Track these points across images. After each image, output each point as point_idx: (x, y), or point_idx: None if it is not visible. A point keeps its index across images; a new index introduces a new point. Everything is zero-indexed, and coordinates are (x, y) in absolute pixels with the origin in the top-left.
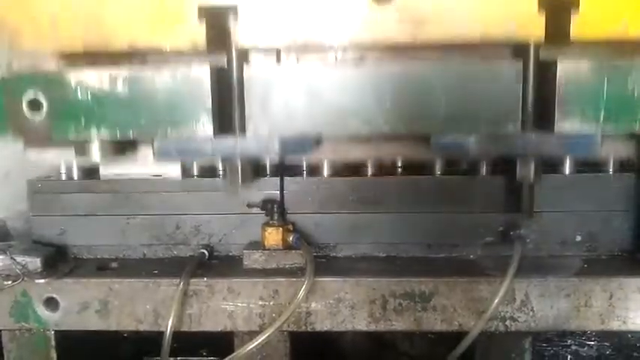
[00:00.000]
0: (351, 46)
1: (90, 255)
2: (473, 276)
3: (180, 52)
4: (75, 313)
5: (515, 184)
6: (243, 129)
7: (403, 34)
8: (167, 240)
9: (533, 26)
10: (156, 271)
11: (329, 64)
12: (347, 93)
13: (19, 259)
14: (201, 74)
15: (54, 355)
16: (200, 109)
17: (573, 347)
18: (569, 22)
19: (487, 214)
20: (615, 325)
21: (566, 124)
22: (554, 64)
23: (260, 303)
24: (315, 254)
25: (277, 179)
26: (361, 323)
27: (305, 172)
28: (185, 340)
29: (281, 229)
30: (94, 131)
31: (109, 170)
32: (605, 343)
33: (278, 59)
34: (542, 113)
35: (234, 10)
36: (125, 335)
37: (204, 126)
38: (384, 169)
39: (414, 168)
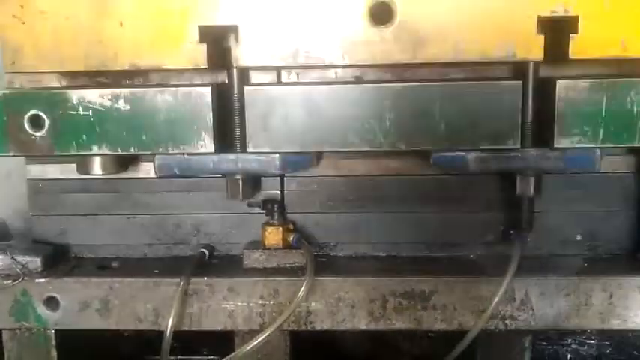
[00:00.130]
0: (351, 66)
1: (90, 254)
2: (473, 275)
3: (182, 71)
4: (75, 312)
5: (514, 196)
6: (244, 146)
7: (402, 54)
8: (167, 239)
9: (532, 46)
10: (156, 271)
11: (329, 82)
12: (346, 111)
13: (19, 258)
14: (202, 92)
15: (54, 354)
16: (201, 126)
17: (573, 346)
18: (568, 42)
19: (487, 214)
20: (615, 324)
21: (565, 141)
22: (553, 82)
23: (260, 302)
24: (315, 253)
25: (278, 179)
26: (361, 322)
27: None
28: (185, 339)
29: (281, 228)
30: (95, 148)
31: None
32: (605, 342)
33: (278, 78)
34: (542, 130)
35: (234, 30)
36: (126, 334)
37: (205, 143)
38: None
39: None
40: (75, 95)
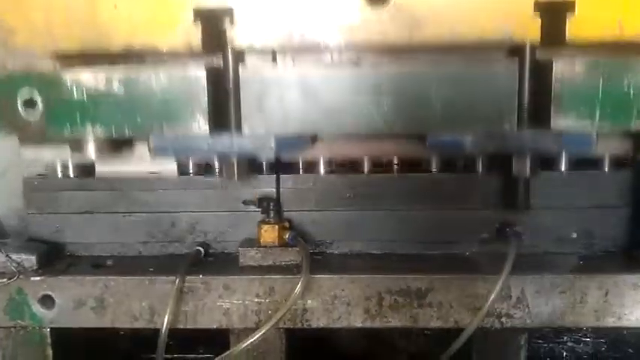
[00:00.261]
0: (347, 47)
1: (86, 252)
2: (468, 273)
3: (177, 52)
4: (70, 311)
5: (511, 180)
6: (239, 128)
7: (399, 36)
8: (163, 237)
9: (529, 27)
10: (151, 269)
11: (325, 64)
12: (342, 93)
13: (14, 256)
14: (197, 74)
15: (50, 352)
16: (196, 108)
17: (569, 344)
18: (565, 24)
19: (483, 211)
20: (610, 322)
21: (562, 122)
22: (550, 63)
23: (256, 300)
24: (311, 251)
25: (274, 176)
26: (357, 320)
27: (302, 169)
28: (181, 338)
29: (277, 226)
30: (89, 130)
31: (105, 168)
32: (601, 340)
33: (274, 59)
34: (539, 112)
35: (229, 12)
36: (121, 332)
37: (200, 125)
38: (381, 167)
39: (410, 166)
40: (68, 76)
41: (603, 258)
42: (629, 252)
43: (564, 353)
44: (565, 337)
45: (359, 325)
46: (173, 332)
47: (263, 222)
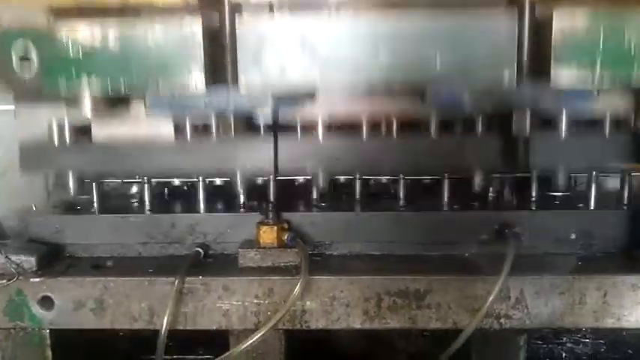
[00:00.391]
0: (344, 2)
1: (85, 254)
2: (467, 274)
3: (172, 6)
4: (70, 312)
5: (510, 140)
6: (235, 82)
7: None
8: (162, 239)
9: None
10: (151, 270)
11: (322, 17)
12: (341, 46)
13: (13, 257)
14: (192, 28)
15: (49, 353)
16: (192, 63)
17: (568, 345)
18: None
19: (481, 212)
20: (609, 323)
21: (563, 77)
22: (550, 16)
23: (255, 301)
24: (310, 252)
25: (270, 139)
26: (356, 321)
27: (299, 132)
28: (180, 339)
29: (276, 227)
30: (85, 86)
31: (102, 130)
32: (600, 341)
33: (271, 11)
34: (538, 66)
35: None
36: (121, 334)
37: (197, 80)
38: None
39: (409, 128)
40: (64, 31)
41: (603, 258)
42: (628, 252)
43: (563, 354)
44: (564, 338)
45: (358, 326)
46: (172, 333)
47: (262, 223)
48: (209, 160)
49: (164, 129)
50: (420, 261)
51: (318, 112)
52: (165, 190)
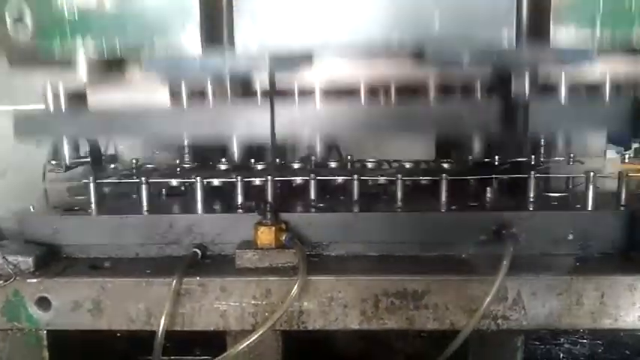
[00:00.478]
0: None
1: (82, 254)
2: (465, 274)
3: None
4: (67, 313)
5: (509, 104)
6: (232, 42)
7: None
8: (160, 239)
9: None
10: (148, 271)
11: None
12: (339, 4)
13: (11, 258)
14: None
15: (46, 354)
16: (187, 21)
17: (566, 346)
18: None
19: (479, 213)
20: (606, 324)
21: (562, 36)
22: None
23: (252, 302)
24: (307, 253)
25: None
26: (353, 322)
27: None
28: (178, 340)
29: (273, 228)
30: (79, 47)
31: (97, 97)
32: (598, 342)
33: None
34: (538, 25)
35: None
36: (118, 334)
37: (192, 40)
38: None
39: (409, 93)
40: None
41: (600, 259)
42: (626, 253)
43: (561, 355)
44: (562, 339)
45: (355, 327)
46: (170, 334)
47: (259, 224)
48: (204, 126)
49: (159, 94)
50: (418, 262)
51: (316, 75)
52: (163, 190)
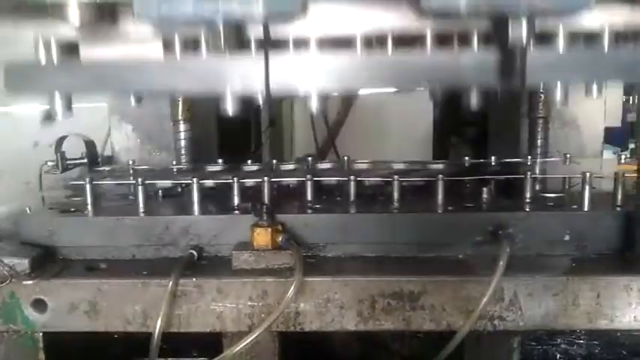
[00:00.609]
0: None
1: (79, 256)
2: (461, 275)
3: None
4: (63, 315)
5: (507, 54)
6: None
7: None
8: (156, 241)
9: None
10: (145, 272)
11: None
12: None
13: (6, 260)
14: None
15: (42, 356)
16: None
17: (563, 346)
18: None
19: (475, 213)
20: (603, 324)
21: None
22: None
23: (249, 303)
24: (304, 254)
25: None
26: (350, 323)
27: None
28: (174, 341)
29: (270, 229)
30: None
31: (89, 50)
32: (595, 342)
33: None
34: None
35: None
36: (114, 336)
37: None
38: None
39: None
40: None
41: (596, 260)
42: (622, 254)
43: (558, 355)
44: (559, 340)
45: (352, 328)
46: (166, 336)
47: (256, 225)
48: (198, 78)
49: (152, 45)
50: (415, 262)
51: (311, 23)
52: (160, 191)
